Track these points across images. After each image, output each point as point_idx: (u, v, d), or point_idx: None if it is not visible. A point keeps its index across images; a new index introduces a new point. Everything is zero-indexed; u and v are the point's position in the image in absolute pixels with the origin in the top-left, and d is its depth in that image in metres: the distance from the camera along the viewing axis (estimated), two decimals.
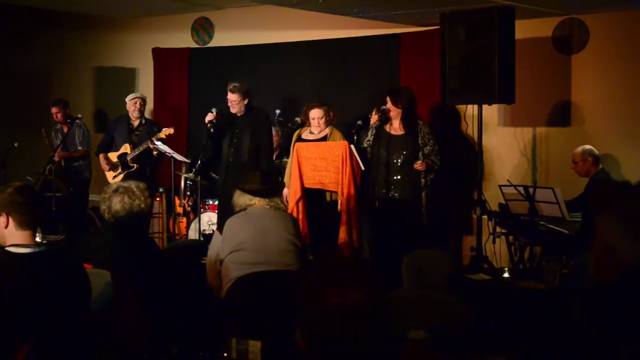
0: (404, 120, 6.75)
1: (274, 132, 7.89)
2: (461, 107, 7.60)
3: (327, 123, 6.97)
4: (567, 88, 7.52)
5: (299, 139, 6.98)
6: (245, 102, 7.29)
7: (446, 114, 7.82)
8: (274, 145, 7.79)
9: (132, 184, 4.37)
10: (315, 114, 6.93)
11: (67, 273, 3.30)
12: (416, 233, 6.66)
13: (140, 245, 4.31)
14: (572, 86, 7.50)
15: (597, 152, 6.81)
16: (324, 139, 6.93)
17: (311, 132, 7.00)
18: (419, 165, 6.65)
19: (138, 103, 8.22)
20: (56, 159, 8.42)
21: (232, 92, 7.26)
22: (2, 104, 9.92)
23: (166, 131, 7.77)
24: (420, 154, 6.68)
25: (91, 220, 8.33)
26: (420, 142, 6.76)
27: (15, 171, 8.44)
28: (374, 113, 7.33)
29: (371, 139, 6.86)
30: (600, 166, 6.79)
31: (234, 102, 7.26)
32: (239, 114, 7.31)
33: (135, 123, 8.26)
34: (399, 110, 6.75)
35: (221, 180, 7.43)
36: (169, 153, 7.77)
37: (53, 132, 8.88)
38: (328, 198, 6.88)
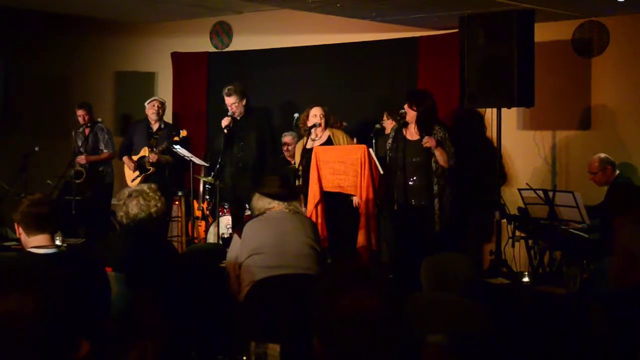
0: (419, 124, 6.59)
1: (290, 138, 7.91)
2: (481, 111, 7.56)
3: (327, 125, 6.96)
4: (587, 91, 7.46)
5: (305, 149, 6.88)
6: (244, 102, 7.29)
7: (466, 117, 7.78)
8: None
9: (144, 186, 4.40)
10: (317, 111, 6.92)
11: (87, 274, 3.37)
12: (432, 239, 6.57)
13: (159, 248, 4.32)
14: (592, 89, 7.45)
15: (612, 158, 6.74)
16: (329, 142, 6.92)
17: (312, 140, 6.94)
18: (426, 141, 6.40)
19: (156, 106, 8.21)
20: (82, 162, 8.47)
21: (229, 95, 7.24)
22: (23, 108, 9.98)
23: (181, 133, 7.82)
24: (433, 159, 6.54)
25: (112, 225, 8.36)
26: None
27: (36, 175, 8.49)
28: (385, 117, 7.29)
29: (390, 142, 6.77)
30: (618, 171, 6.73)
31: (233, 104, 7.24)
32: (238, 117, 7.29)
33: (155, 127, 8.26)
34: (414, 114, 6.59)
35: (230, 183, 7.44)
36: (187, 157, 7.78)
37: (74, 133, 8.88)
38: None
